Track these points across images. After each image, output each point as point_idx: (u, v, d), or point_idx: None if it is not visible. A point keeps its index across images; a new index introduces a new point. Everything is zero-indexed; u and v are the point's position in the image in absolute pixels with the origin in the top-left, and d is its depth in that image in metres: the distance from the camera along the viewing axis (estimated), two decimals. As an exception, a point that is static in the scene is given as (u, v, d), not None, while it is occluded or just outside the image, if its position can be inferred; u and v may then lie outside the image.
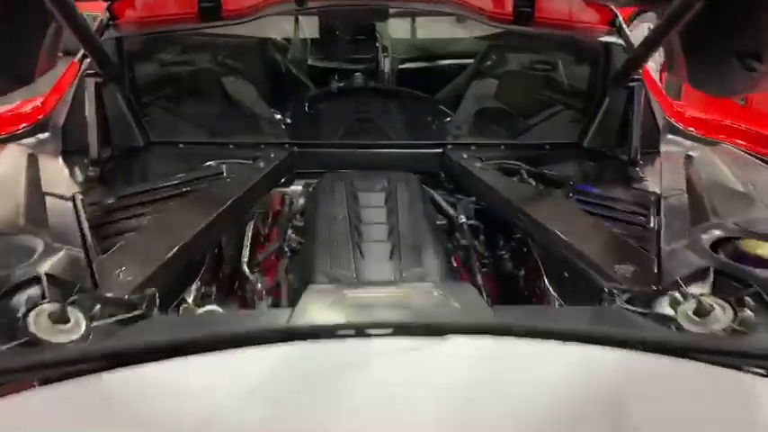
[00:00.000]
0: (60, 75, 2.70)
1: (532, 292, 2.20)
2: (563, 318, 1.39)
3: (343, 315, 1.33)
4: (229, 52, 2.91)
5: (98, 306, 1.53)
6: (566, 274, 2.01)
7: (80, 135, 2.38)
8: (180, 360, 1.10)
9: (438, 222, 2.42)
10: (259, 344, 1.18)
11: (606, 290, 1.67)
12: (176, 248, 1.88)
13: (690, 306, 1.53)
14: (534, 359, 1.13)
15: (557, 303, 1.95)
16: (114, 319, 1.54)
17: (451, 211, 2.54)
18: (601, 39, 2.52)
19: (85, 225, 1.98)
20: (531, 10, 2.53)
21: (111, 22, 2.51)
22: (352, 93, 3.05)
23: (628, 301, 1.64)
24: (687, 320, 1.52)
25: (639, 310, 1.59)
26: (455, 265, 2.25)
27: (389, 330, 1.19)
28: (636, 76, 2.41)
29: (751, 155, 2.44)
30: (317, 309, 1.35)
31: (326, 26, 3.28)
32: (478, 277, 2.08)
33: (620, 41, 2.49)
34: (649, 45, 2.17)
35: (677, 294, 1.57)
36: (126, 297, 1.63)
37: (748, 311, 1.49)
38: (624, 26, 2.54)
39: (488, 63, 3.00)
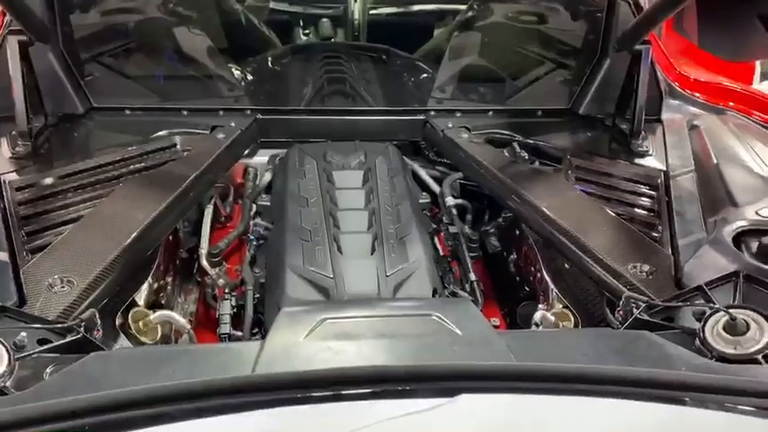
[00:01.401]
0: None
1: (527, 279, 1.99)
2: (584, 347, 1.18)
3: (322, 356, 1.09)
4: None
5: (24, 333, 1.26)
6: (566, 266, 1.80)
7: (6, 101, 2.03)
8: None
9: (421, 201, 2.17)
10: (215, 399, 0.94)
11: (624, 299, 1.47)
12: (124, 245, 1.61)
13: (719, 320, 1.34)
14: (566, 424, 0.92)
15: (555, 295, 1.75)
16: (45, 347, 1.27)
17: (436, 187, 2.30)
18: (604, -8, 2.23)
19: (13, 217, 1.68)
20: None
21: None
22: (320, 48, 2.73)
23: (647, 310, 1.44)
24: (717, 338, 1.31)
25: (663, 323, 1.39)
26: (442, 253, 2.02)
27: (379, 387, 0.95)
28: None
29: (761, 125, 2.24)
30: (289, 348, 1.11)
31: None
32: (470, 273, 1.85)
33: (626, -4, 2.21)
34: (667, 6, 1.90)
35: (704, 306, 1.37)
36: (59, 317, 1.36)
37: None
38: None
39: (472, 16, 2.69)
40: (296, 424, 0.91)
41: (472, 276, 1.82)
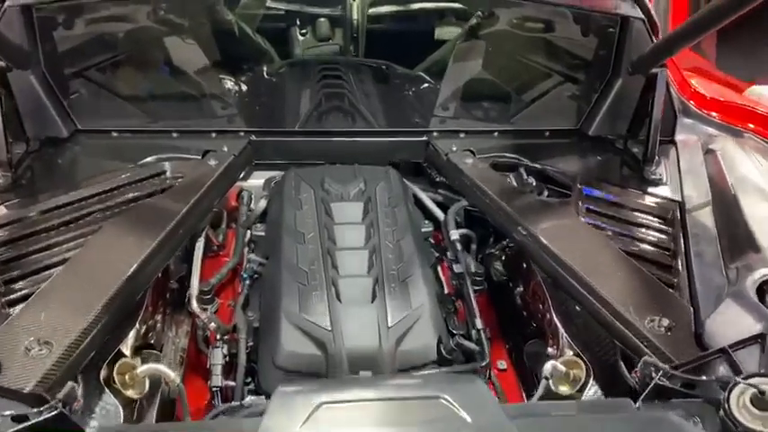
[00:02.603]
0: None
1: (534, 315, 1.90)
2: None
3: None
4: (169, 7, 2.40)
5: None
6: (577, 308, 1.71)
7: None
8: None
9: (424, 230, 2.07)
10: None
11: (642, 363, 1.38)
12: (110, 295, 1.51)
13: (745, 391, 1.25)
14: None
15: (565, 341, 1.65)
16: (20, 427, 1.18)
17: (439, 213, 2.19)
18: (617, 11, 2.11)
19: None
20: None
21: (16, -16, 1.99)
22: (318, 62, 2.60)
23: (666, 376, 1.35)
24: (744, 412, 1.24)
25: (685, 391, 1.30)
26: (446, 291, 1.92)
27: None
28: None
29: (781, 150, 2.13)
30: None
31: None
32: (477, 320, 1.75)
33: (640, 15, 2.08)
34: (690, 32, 1.78)
35: (729, 377, 1.28)
36: (37, 387, 1.26)
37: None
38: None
39: (477, 27, 2.56)
40: None
41: (478, 324, 1.72)
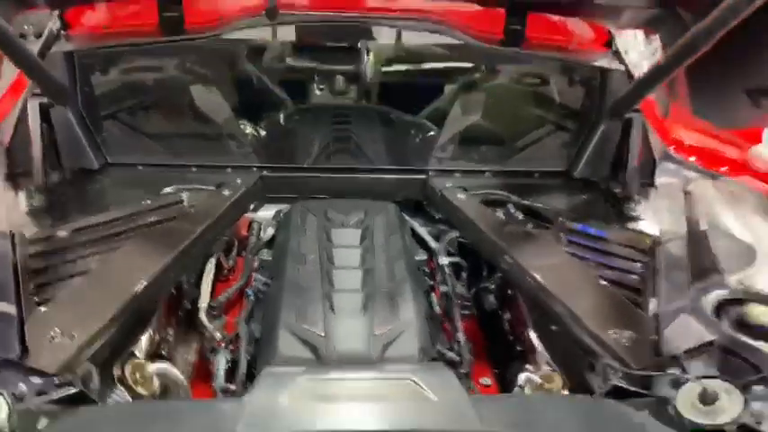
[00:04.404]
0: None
1: (519, 338, 2.03)
2: (549, 415, 1.22)
3: (300, 418, 1.15)
4: (196, 58, 2.68)
5: (23, 385, 1.34)
6: (553, 327, 1.84)
7: (26, 156, 2.16)
8: None
9: (418, 258, 2.24)
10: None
11: (600, 365, 1.51)
12: (125, 300, 1.69)
13: (693, 390, 1.38)
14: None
15: (542, 356, 1.79)
16: (43, 400, 1.35)
17: (433, 244, 2.36)
18: (595, 63, 2.32)
19: (24, 270, 1.77)
20: (522, 28, 2.33)
21: (62, 32, 2.28)
22: (328, 109, 2.84)
23: (624, 378, 1.48)
24: (690, 408, 1.37)
25: (639, 391, 1.43)
26: (439, 311, 2.07)
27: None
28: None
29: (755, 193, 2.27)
30: (269, 408, 1.17)
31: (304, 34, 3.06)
32: (459, 333, 1.89)
33: (618, 65, 2.30)
34: (654, 77, 1.98)
35: (679, 376, 1.41)
36: (58, 370, 1.43)
37: (758, 403, 1.34)
38: (621, 49, 2.34)
39: (475, 79, 2.79)
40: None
41: (460, 337, 1.86)
